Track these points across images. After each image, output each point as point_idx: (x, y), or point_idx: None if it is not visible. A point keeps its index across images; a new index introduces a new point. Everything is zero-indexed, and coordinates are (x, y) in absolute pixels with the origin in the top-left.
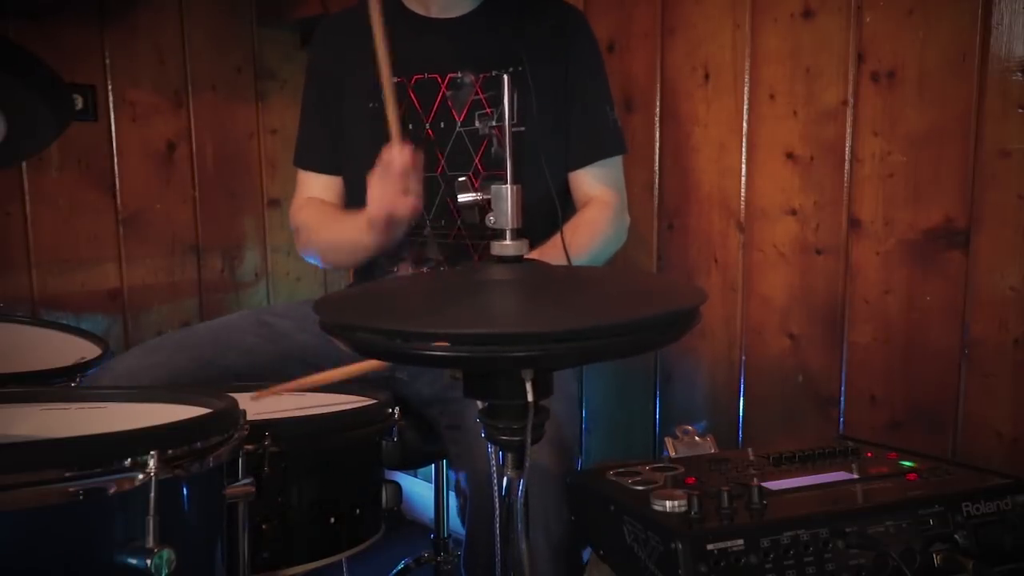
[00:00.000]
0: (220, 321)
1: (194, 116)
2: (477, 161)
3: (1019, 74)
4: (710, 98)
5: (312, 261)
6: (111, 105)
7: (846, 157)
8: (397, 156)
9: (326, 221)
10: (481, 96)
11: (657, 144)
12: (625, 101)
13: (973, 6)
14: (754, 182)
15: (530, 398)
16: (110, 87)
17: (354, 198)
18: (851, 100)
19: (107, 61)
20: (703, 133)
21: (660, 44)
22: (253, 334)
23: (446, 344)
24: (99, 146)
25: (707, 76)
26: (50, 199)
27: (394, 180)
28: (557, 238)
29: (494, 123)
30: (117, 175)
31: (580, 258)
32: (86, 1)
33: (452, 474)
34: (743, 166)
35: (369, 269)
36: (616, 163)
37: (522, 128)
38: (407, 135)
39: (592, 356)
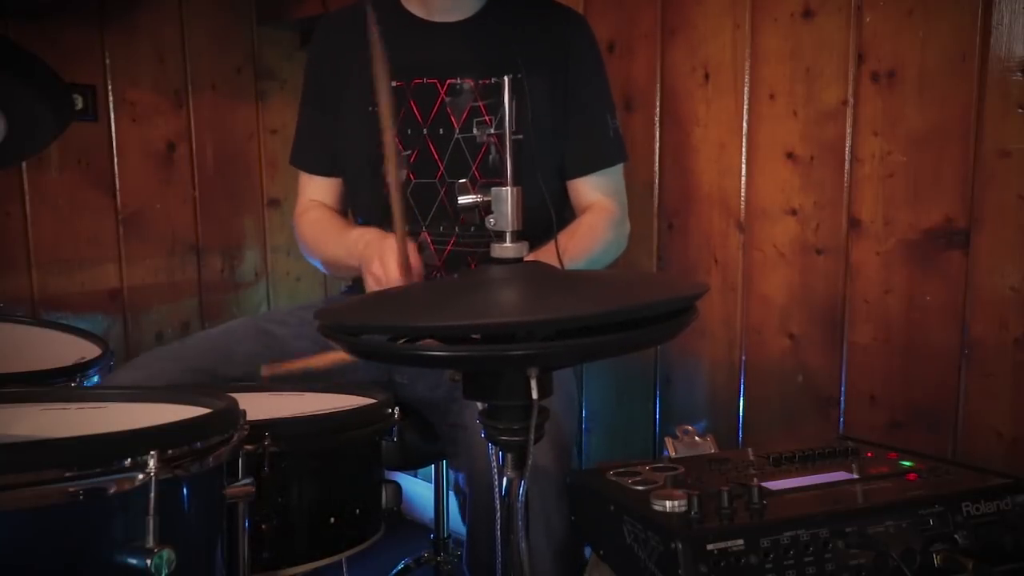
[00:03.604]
0: (219, 329)
1: (194, 116)
2: (475, 169)
3: (1019, 74)
4: (710, 98)
5: (319, 268)
6: (111, 105)
7: (846, 157)
8: (398, 278)
9: (324, 238)
10: (480, 103)
11: (657, 144)
12: (625, 101)
13: (973, 6)
14: (754, 182)
15: (535, 396)
16: (110, 87)
17: (353, 197)
18: (851, 100)
19: (107, 61)
20: (703, 133)
21: (660, 44)
22: (252, 342)
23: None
24: (99, 146)
25: (707, 76)
26: (50, 199)
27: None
28: (551, 244)
29: (492, 131)
30: (117, 175)
31: (576, 263)
32: (86, 1)
33: (452, 473)
34: (743, 166)
35: None
36: (616, 171)
37: (520, 136)
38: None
39: (596, 350)
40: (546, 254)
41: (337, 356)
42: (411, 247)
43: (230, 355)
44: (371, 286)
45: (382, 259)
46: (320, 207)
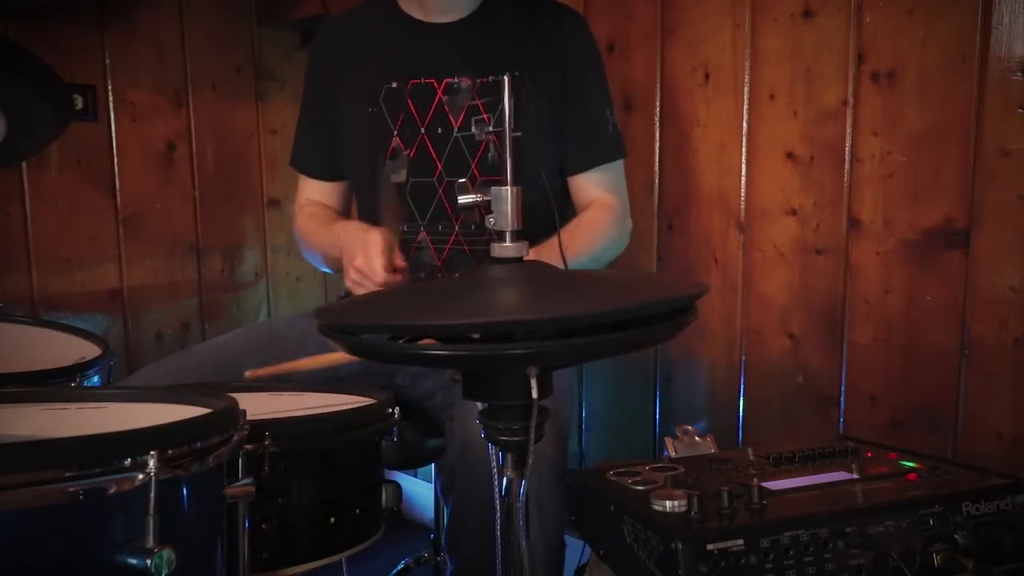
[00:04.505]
0: (222, 341)
1: (194, 116)
2: (474, 167)
3: (1019, 74)
4: (710, 98)
5: (316, 265)
6: (111, 105)
7: (846, 157)
8: (380, 276)
9: (319, 231)
10: (478, 101)
11: (657, 144)
12: (625, 101)
13: (973, 6)
14: (754, 182)
15: (535, 395)
16: (110, 87)
17: (357, 198)
18: (851, 100)
19: (107, 61)
20: (703, 133)
21: (660, 44)
22: (254, 358)
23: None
24: (99, 146)
25: (707, 76)
26: (50, 199)
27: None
28: (554, 239)
29: (490, 129)
30: (117, 175)
31: (578, 259)
32: (86, 1)
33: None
34: (743, 166)
35: None
36: (616, 167)
37: (519, 133)
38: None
39: (596, 349)
40: (547, 250)
41: (325, 359)
42: (395, 248)
43: (232, 371)
44: (352, 280)
45: (365, 253)
46: (317, 204)
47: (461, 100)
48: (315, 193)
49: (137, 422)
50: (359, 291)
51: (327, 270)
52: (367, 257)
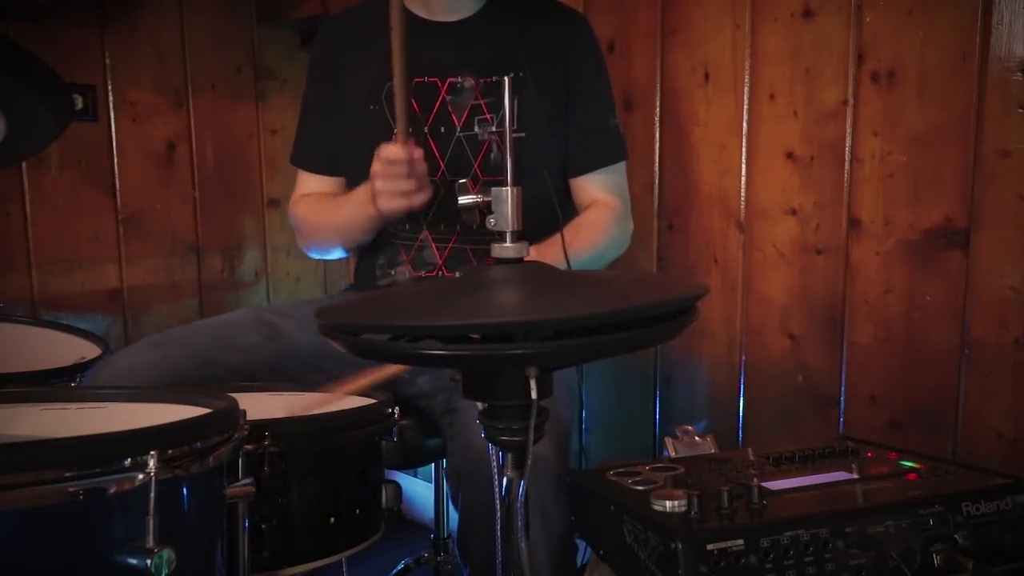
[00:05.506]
0: (222, 318)
1: (194, 116)
2: (476, 167)
3: (1019, 74)
4: (710, 98)
5: (315, 255)
6: (111, 105)
7: (846, 157)
8: (400, 151)
9: (327, 206)
10: (481, 101)
11: (657, 144)
12: (625, 101)
13: (973, 6)
14: (754, 182)
15: (534, 395)
16: (110, 87)
17: None
18: (851, 100)
19: (107, 61)
20: (703, 133)
21: (660, 44)
22: (254, 332)
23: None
24: (99, 146)
25: (707, 76)
26: (50, 199)
27: (402, 176)
28: (557, 237)
29: (493, 129)
30: (117, 175)
31: (580, 258)
32: (86, 1)
33: (447, 463)
34: (743, 166)
35: (368, 272)
36: (618, 169)
37: (522, 133)
38: (412, 135)
39: (596, 350)
40: (550, 248)
41: (381, 373)
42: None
43: (232, 343)
44: (379, 183)
45: (379, 154)
46: (318, 193)
47: (464, 100)
48: (314, 189)
49: (137, 422)
50: (389, 199)
51: (331, 256)
52: (385, 147)
